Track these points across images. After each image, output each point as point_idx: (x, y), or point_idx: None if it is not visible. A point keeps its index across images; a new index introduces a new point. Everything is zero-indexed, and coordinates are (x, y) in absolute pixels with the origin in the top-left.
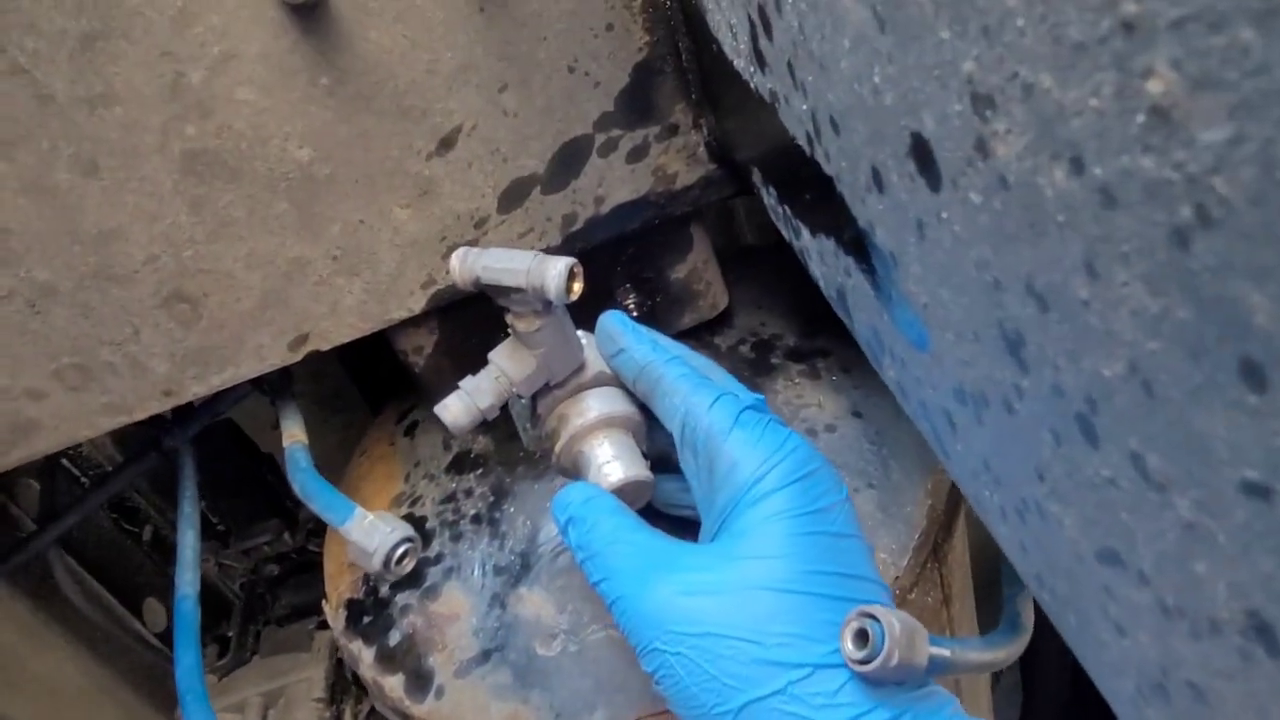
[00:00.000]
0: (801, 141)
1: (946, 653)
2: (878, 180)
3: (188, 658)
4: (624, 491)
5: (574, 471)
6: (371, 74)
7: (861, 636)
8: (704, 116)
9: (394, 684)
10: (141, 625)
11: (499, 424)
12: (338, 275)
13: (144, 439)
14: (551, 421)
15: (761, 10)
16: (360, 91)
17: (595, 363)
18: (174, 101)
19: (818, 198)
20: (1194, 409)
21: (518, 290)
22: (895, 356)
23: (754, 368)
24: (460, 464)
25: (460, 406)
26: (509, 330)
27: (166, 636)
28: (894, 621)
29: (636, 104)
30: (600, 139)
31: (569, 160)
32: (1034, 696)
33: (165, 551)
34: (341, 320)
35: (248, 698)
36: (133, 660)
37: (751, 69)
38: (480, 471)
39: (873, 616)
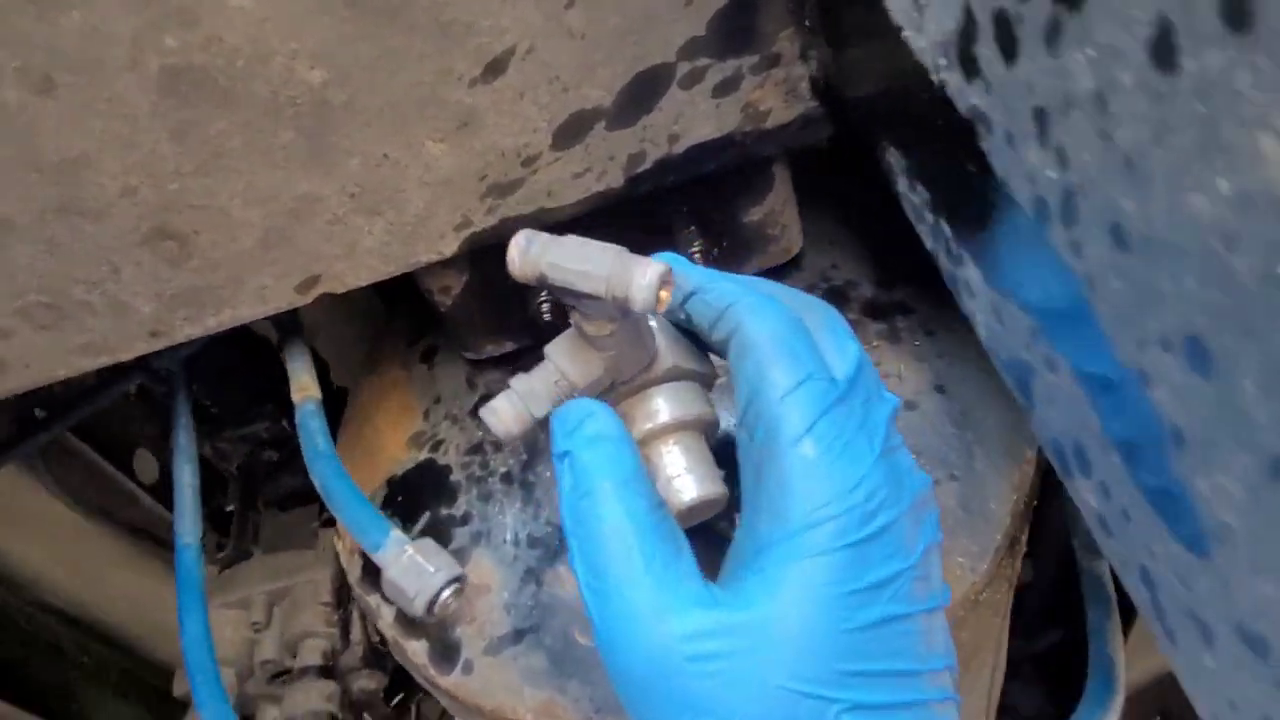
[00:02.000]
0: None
1: None
2: None
3: (194, 626)
4: (695, 510)
5: None
6: None
7: None
8: (816, 46)
9: (418, 649)
10: (132, 479)
11: (531, 364)
12: (355, 214)
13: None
14: None
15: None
16: (389, 1)
17: (667, 354)
18: (147, 7)
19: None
20: None
21: (594, 298)
22: (1111, 496)
23: None
24: None
25: (511, 413)
26: (570, 321)
27: (159, 489)
28: None
29: (734, 28)
30: (684, 69)
31: (643, 92)
32: None
33: (153, 402)
34: (359, 262)
35: (252, 595)
36: (127, 514)
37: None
38: None
39: None
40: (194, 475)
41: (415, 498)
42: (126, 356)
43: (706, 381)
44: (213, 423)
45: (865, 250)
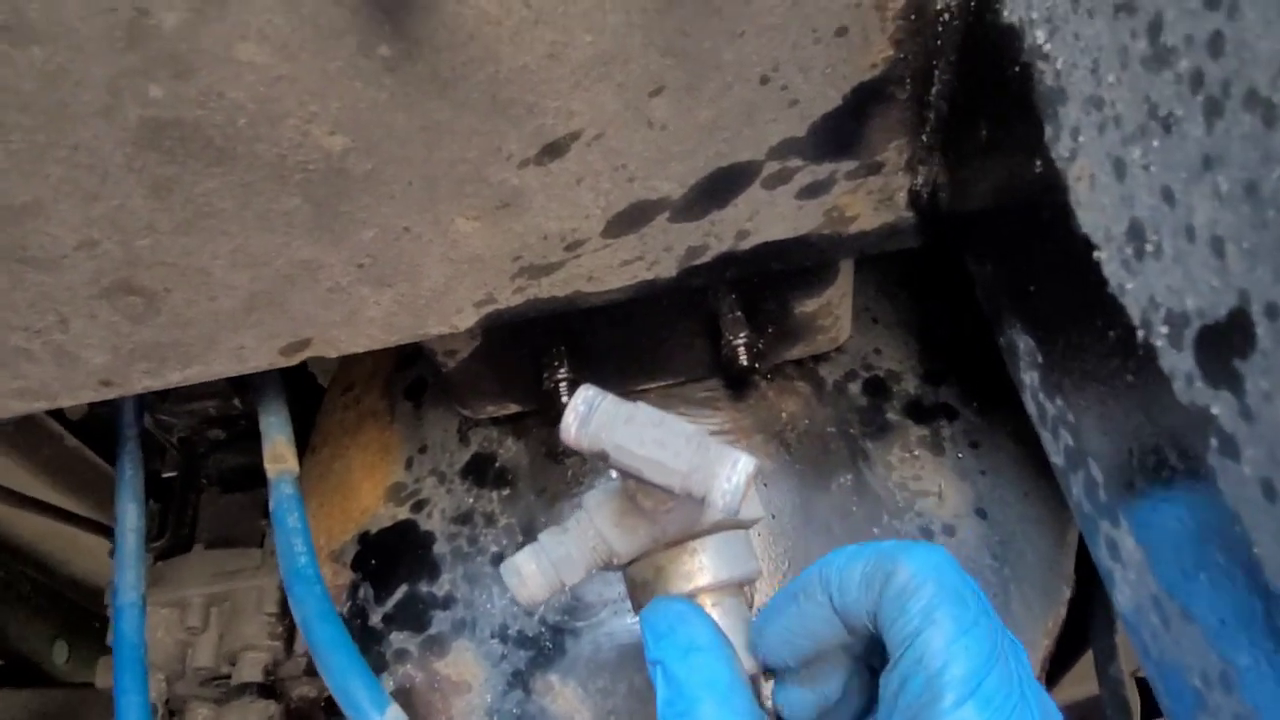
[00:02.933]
0: None
1: None
2: None
3: (131, 702)
4: None
5: None
6: (462, 50)
7: None
8: (927, 161)
9: None
10: (59, 419)
11: (531, 428)
12: (361, 284)
13: None
14: (645, 571)
15: None
16: (438, 72)
17: (716, 505)
18: (131, 51)
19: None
20: None
21: (666, 489)
22: None
23: (866, 422)
24: (481, 471)
25: (540, 580)
26: (617, 479)
27: (85, 425)
28: None
29: (837, 133)
30: (771, 168)
31: (719, 188)
32: None
33: None
34: (359, 330)
35: (188, 596)
36: (52, 450)
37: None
38: (507, 493)
39: None
40: (139, 517)
41: (391, 564)
42: (71, 403)
43: (753, 523)
44: (158, 393)
45: (911, 333)
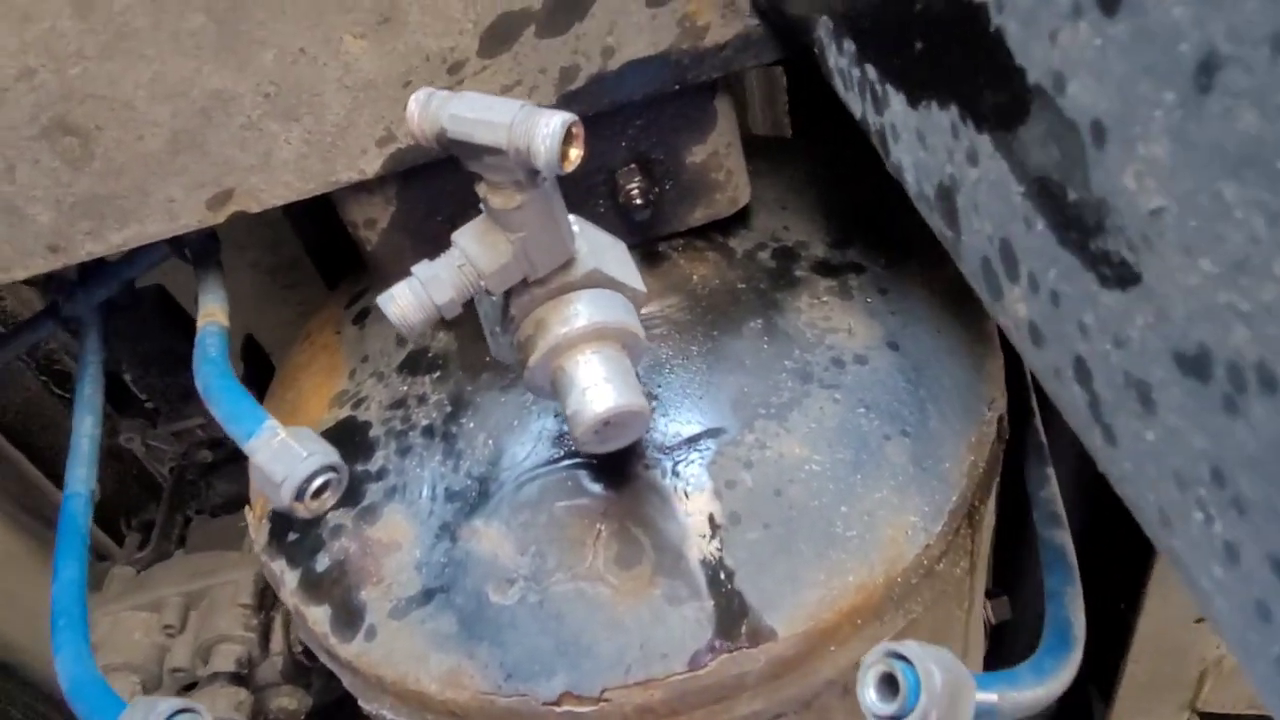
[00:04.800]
0: None
1: (993, 698)
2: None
3: (68, 570)
4: (612, 425)
5: (548, 392)
6: None
7: (888, 684)
8: None
9: (318, 616)
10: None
11: (465, 319)
12: (270, 119)
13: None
14: (527, 327)
15: None
16: None
17: (588, 257)
18: None
19: (936, 48)
20: None
21: (495, 151)
22: (1039, 285)
23: (774, 280)
24: (415, 364)
25: (411, 300)
26: (481, 205)
27: (101, 511)
28: (933, 670)
29: None
30: None
31: None
32: None
33: (135, 407)
34: (274, 176)
35: (166, 596)
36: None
37: None
38: (438, 375)
39: (903, 658)
40: (94, 426)
41: None
42: (22, 274)
43: (636, 300)
44: (147, 417)
45: (819, 214)
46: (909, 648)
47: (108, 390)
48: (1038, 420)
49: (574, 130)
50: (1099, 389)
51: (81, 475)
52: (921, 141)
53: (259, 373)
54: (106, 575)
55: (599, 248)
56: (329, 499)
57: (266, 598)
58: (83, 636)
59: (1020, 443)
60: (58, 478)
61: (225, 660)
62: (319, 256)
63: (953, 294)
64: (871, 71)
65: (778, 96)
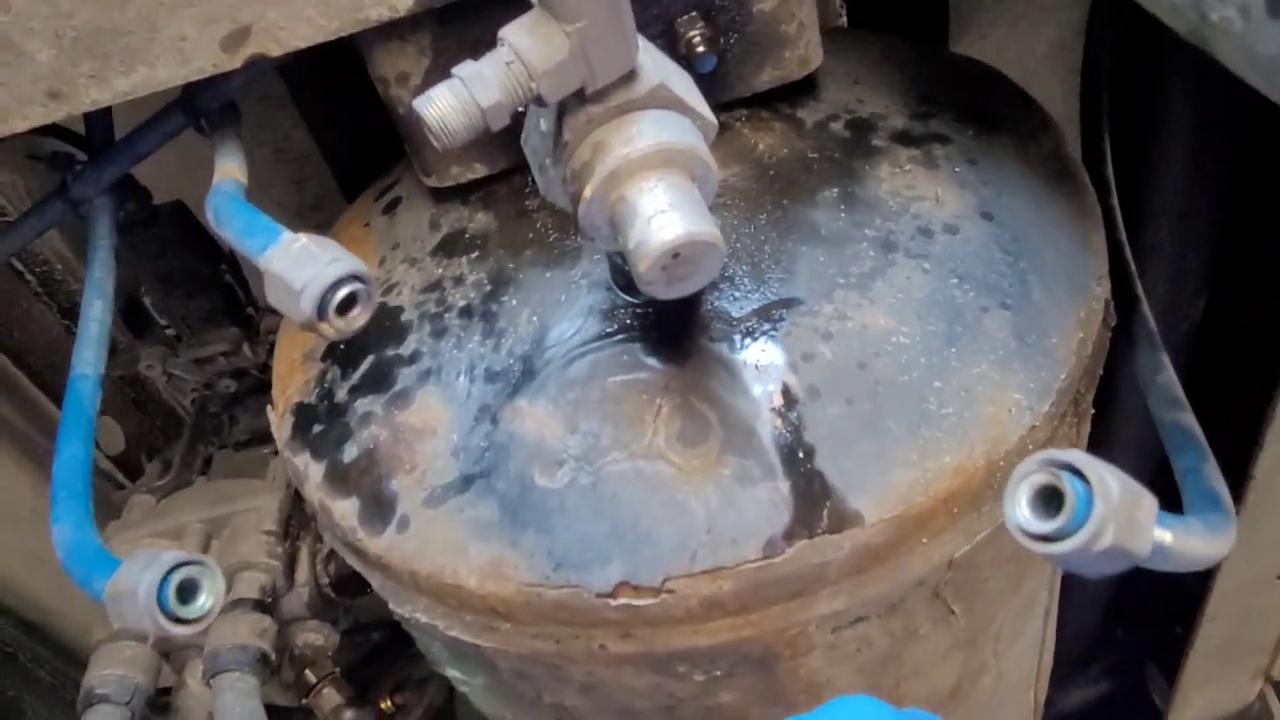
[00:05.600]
0: None
1: (1169, 537)
2: None
3: (71, 448)
4: (682, 259)
5: (607, 233)
6: None
7: (1049, 499)
8: None
9: (345, 510)
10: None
11: (505, 197)
12: None
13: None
14: (584, 153)
15: None
16: None
17: (653, 72)
18: None
19: None
20: None
21: None
22: None
23: (850, 150)
24: (451, 246)
25: (452, 101)
26: None
27: (122, 460)
28: (1107, 479)
29: None
30: None
31: None
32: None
33: (155, 332)
34: (295, 11)
35: (186, 523)
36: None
37: None
38: (476, 255)
39: (1075, 469)
40: (104, 311)
41: (359, 343)
42: (22, 126)
43: (706, 132)
44: (167, 344)
45: (895, 89)
46: (1075, 455)
47: (126, 315)
48: (1145, 307)
49: None
50: None
51: (89, 358)
52: None
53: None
54: (126, 503)
55: (665, 67)
56: (358, 316)
57: (292, 527)
58: (85, 508)
59: (1127, 330)
60: None
61: (249, 587)
62: (349, 187)
63: (1049, 168)
64: None
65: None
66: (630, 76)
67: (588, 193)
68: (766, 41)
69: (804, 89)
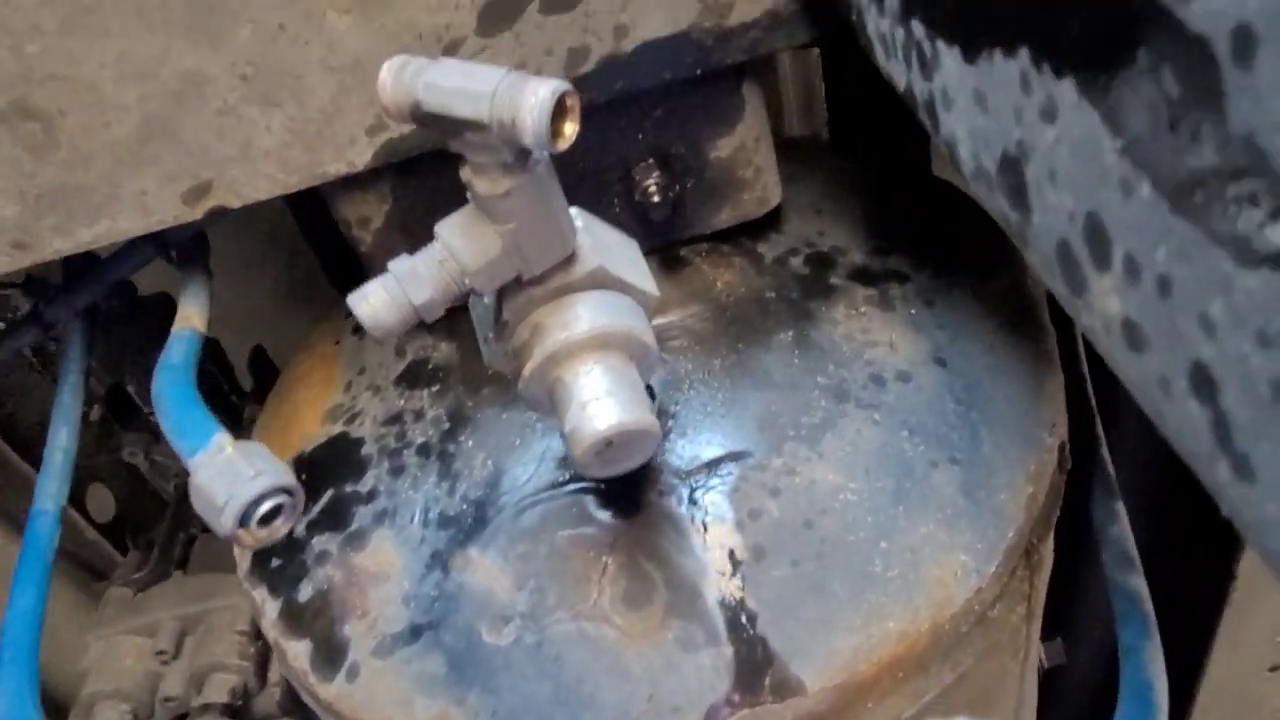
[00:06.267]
0: None
1: None
2: None
3: (24, 597)
4: (616, 445)
5: (547, 407)
6: None
7: None
8: None
9: (299, 651)
10: (82, 515)
11: (468, 329)
12: (249, 103)
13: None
14: (523, 333)
15: None
16: None
17: (592, 254)
18: None
19: None
20: None
21: (476, 126)
22: (1141, 270)
23: (807, 288)
24: (414, 376)
25: (385, 299)
26: (467, 193)
27: (113, 528)
28: None
29: None
30: None
31: None
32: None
33: (115, 433)
34: (255, 168)
35: (161, 620)
36: (75, 554)
37: None
38: (437, 389)
39: None
40: (70, 439)
41: (320, 475)
42: None
43: (647, 304)
44: (151, 430)
45: (858, 219)
46: None
47: (111, 402)
48: (1104, 448)
49: (568, 101)
50: (1229, 406)
51: (51, 491)
52: (980, 104)
53: (268, 386)
54: (104, 596)
55: (605, 244)
56: (281, 526)
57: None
58: (27, 674)
59: (1084, 474)
60: (75, 492)
61: (219, 690)
62: (333, 266)
63: (1007, 307)
64: (918, 28)
65: (815, 100)
66: (569, 259)
67: (526, 372)
68: (724, 186)
69: (765, 221)
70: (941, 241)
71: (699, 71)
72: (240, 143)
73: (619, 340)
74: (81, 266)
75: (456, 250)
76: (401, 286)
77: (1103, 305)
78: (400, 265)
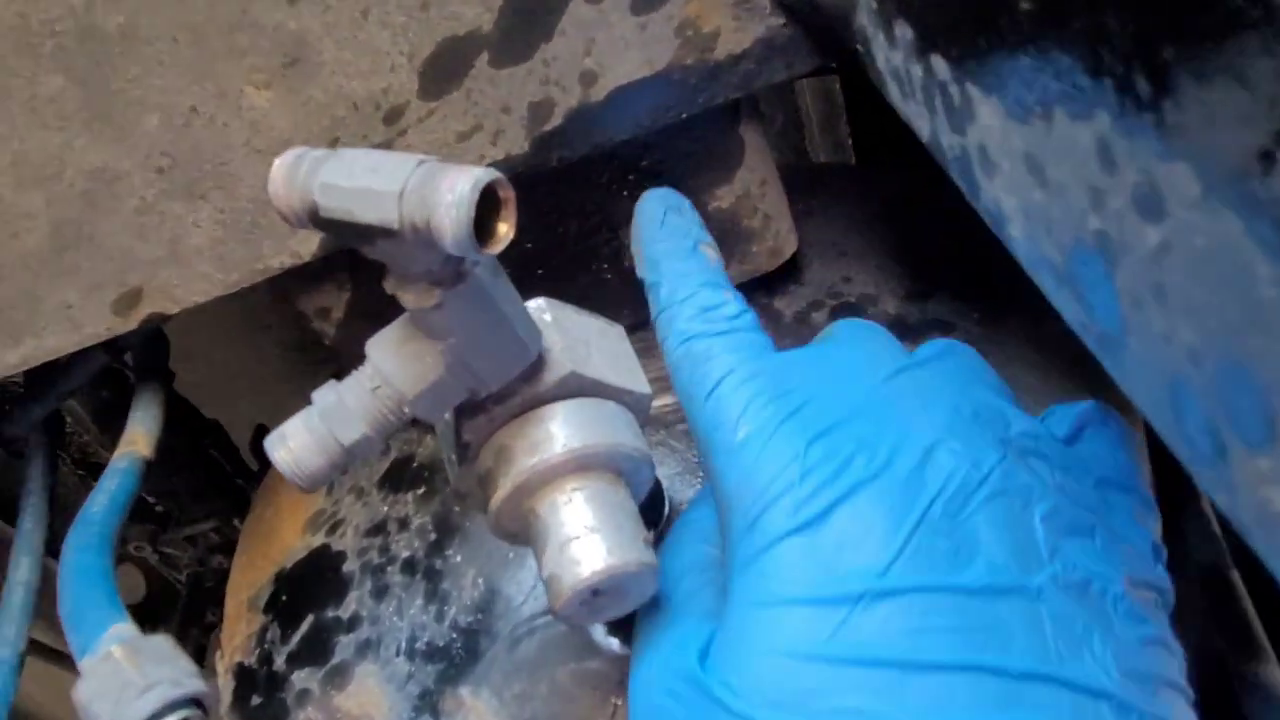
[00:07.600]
0: None
1: None
2: None
3: None
4: (604, 593)
5: (523, 540)
6: None
7: None
8: None
9: None
10: None
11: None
12: (170, 198)
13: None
14: (486, 458)
15: None
16: None
17: (562, 356)
18: None
19: None
20: None
21: (387, 232)
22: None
23: None
24: (398, 477)
25: (307, 441)
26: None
27: (143, 608)
28: None
29: None
30: None
31: (536, 7)
32: None
33: (145, 511)
34: (189, 269)
35: None
36: None
37: None
38: (422, 491)
39: None
40: (32, 571)
41: (301, 596)
42: None
43: (638, 406)
44: (158, 522)
45: (889, 259)
46: None
47: None
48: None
49: (500, 193)
50: None
51: (9, 635)
52: (1037, 175)
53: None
54: None
55: (579, 341)
56: None
57: None
58: None
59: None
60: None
61: None
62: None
63: (1065, 353)
64: (941, 67)
65: (838, 114)
66: (535, 366)
67: (494, 505)
68: (729, 239)
69: (782, 271)
70: (986, 280)
71: (685, 115)
72: (167, 242)
73: (601, 459)
74: (32, 380)
75: (390, 375)
76: (326, 424)
77: (1260, 493)
78: (324, 397)
